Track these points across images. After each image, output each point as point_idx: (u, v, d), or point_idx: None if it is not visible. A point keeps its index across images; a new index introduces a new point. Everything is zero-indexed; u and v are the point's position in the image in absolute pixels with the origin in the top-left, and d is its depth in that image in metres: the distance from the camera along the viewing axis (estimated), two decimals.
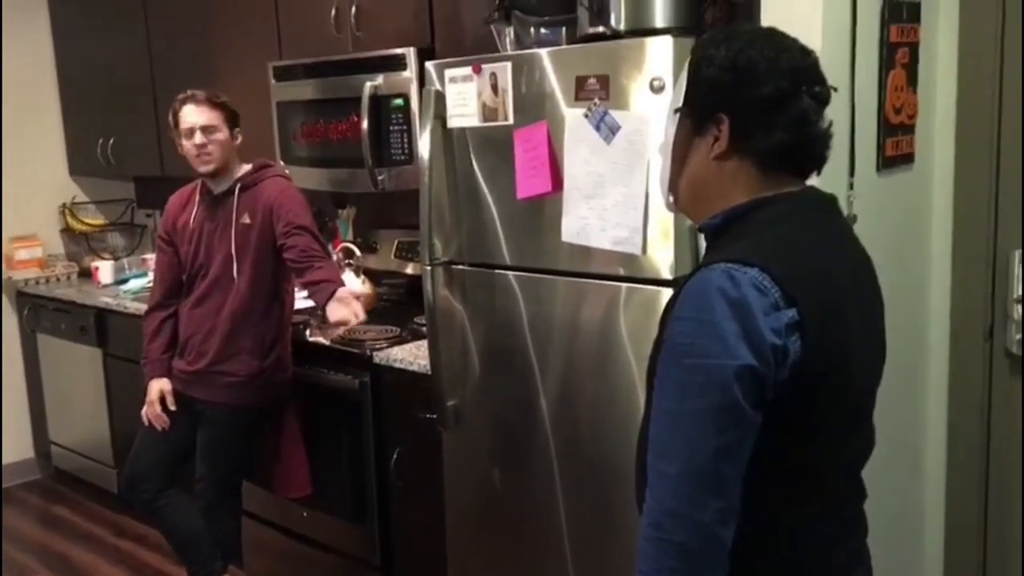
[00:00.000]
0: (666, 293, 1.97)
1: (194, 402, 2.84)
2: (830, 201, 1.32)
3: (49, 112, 4.50)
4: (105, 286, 4.12)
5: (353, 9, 3.02)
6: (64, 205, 4.53)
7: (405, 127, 2.86)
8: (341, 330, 2.84)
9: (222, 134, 2.77)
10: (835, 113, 1.91)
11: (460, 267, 2.37)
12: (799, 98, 1.22)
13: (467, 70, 2.23)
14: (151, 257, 4.25)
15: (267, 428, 2.91)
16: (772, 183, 1.26)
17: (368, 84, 2.89)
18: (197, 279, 2.84)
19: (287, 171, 3.27)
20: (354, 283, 3.30)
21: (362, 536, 2.87)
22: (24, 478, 4.44)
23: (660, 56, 1.88)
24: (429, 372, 2.50)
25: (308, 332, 3.08)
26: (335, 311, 2.59)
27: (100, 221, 4.62)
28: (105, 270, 4.19)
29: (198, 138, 2.74)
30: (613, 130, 1.95)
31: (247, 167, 2.86)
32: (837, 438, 1.25)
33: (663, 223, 1.93)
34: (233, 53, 3.53)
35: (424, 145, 2.29)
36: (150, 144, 3.98)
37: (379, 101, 2.90)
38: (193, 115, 2.75)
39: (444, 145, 2.32)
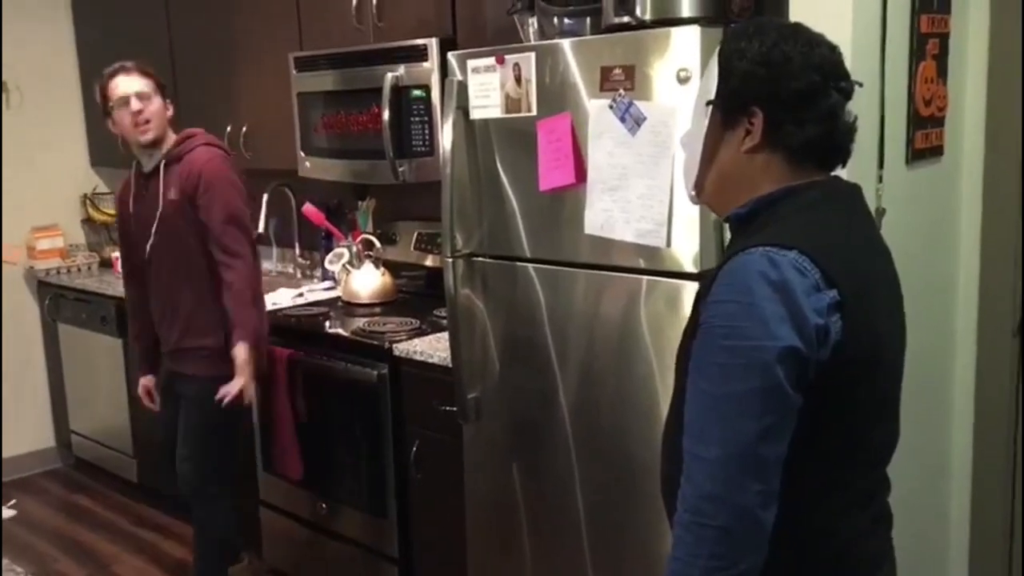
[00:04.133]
0: (689, 286, 1.95)
1: (175, 382, 2.86)
2: (855, 190, 1.34)
3: (71, 102, 4.52)
4: None
5: (374, 0, 3.01)
6: (85, 195, 4.55)
7: (426, 118, 2.85)
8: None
9: (156, 102, 2.72)
10: (864, 105, 1.89)
11: (481, 259, 2.36)
12: (828, 93, 1.24)
13: (490, 60, 2.21)
14: None
15: (246, 410, 2.88)
16: (800, 174, 1.28)
17: (389, 75, 2.88)
18: (146, 261, 2.81)
19: (307, 163, 3.29)
20: (374, 274, 3.29)
21: (381, 528, 2.87)
22: (45, 467, 4.47)
23: (686, 46, 1.86)
24: (449, 364, 2.49)
25: (327, 323, 3.08)
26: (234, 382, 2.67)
27: None
28: None
29: (134, 104, 2.67)
30: (638, 121, 1.93)
31: (172, 140, 2.79)
32: (869, 425, 1.26)
33: (688, 216, 1.91)
34: (254, 44, 3.53)
35: (446, 136, 2.28)
36: None
37: (400, 92, 2.89)
38: (125, 84, 2.70)
39: (466, 136, 2.30)
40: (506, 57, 2.18)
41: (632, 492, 2.11)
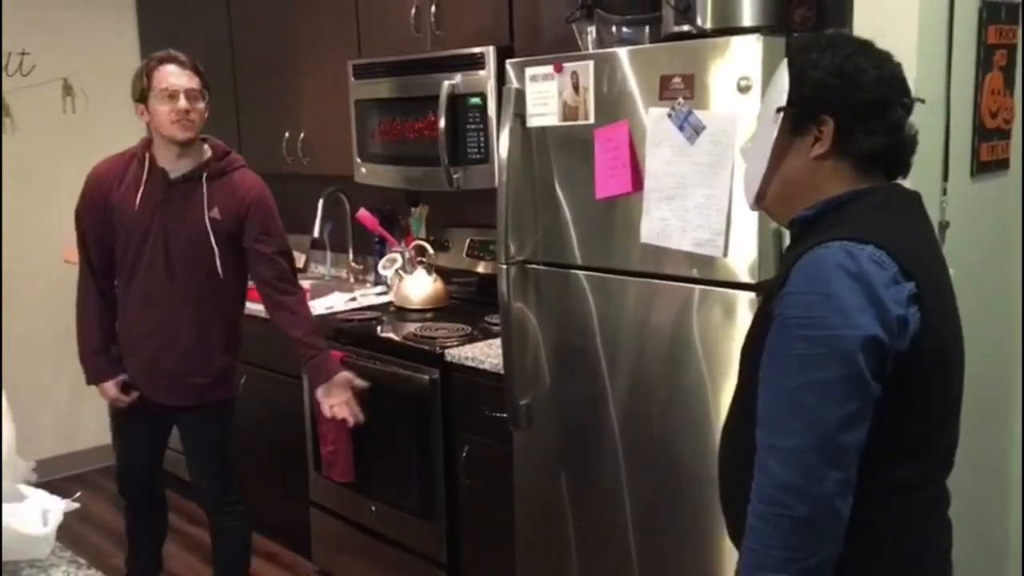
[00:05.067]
0: (744, 296, 1.94)
1: (167, 413, 2.71)
2: (917, 197, 1.37)
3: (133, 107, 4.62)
4: None
5: (433, 8, 3.03)
6: None
7: (481, 126, 2.86)
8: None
9: (203, 103, 2.55)
10: (929, 116, 1.86)
11: (534, 266, 2.37)
12: (895, 107, 1.29)
13: (548, 68, 2.22)
14: None
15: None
16: (866, 180, 1.31)
17: (446, 83, 2.90)
18: (146, 272, 2.57)
19: (363, 168, 3.33)
20: (426, 280, 3.32)
21: (430, 532, 2.88)
22: (101, 463, 4.56)
23: (748, 55, 1.85)
24: (499, 371, 2.50)
25: (379, 328, 3.11)
26: (332, 397, 2.62)
27: None
28: None
29: (182, 102, 2.48)
30: (697, 130, 1.92)
31: (207, 150, 2.62)
32: (936, 425, 1.27)
33: (747, 225, 1.89)
34: (313, 51, 3.58)
35: (503, 144, 2.29)
36: (230, 140, 4.00)
37: (456, 100, 2.91)
38: (177, 76, 2.50)
39: (522, 144, 2.31)
40: (564, 65, 2.19)
41: (681, 501, 2.10)
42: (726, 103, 1.89)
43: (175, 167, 2.56)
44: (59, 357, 4.39)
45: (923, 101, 1.33)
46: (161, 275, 2.56)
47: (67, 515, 1.51)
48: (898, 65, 1.31)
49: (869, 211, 1.26)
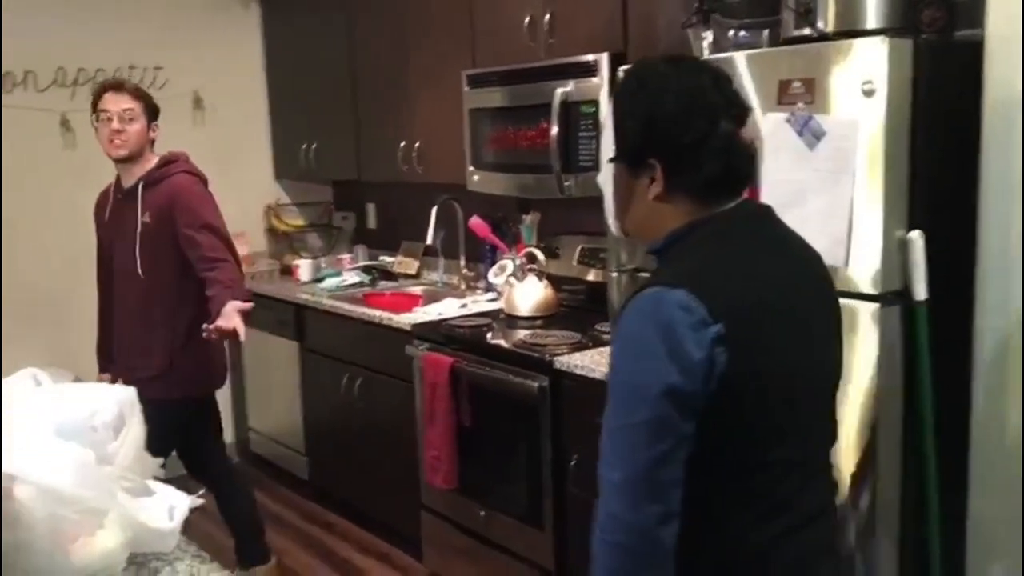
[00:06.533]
0: (866, 307, 1.87)
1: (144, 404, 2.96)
2: (763, 212, 1.41)
3: (259, 120, 4.80)
4: (304, 283, 4.34)
5: (547, 17, 3.04)
6: (269, 206, 4.82)
7: (594, 133, 2.85)
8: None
9: (139, 123, 2.84)
10: None
11: (644, 274, 2.34)
12: (718, 130, 1.30)
13: None
14: (346, 257, 4.45)
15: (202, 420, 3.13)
16: (706, 207, 1.35)
17: (559, 90, 2.91)
18: (107, 278, 2.99)
19: (476, 176, 3.36)
20: (536, 287, 3.32)
21: (537, 539, 2.88)
22: None
23: (872, 58, 1.79)
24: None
25: (490, 335, 3.13)
26: (223, 320, 2.69)
27: (300, 222, 4.88)
28: (304, 268, 4.42)
29: (115, 123, 2.80)
30: (817, 136, 1.86)
31: (154, 162, 2.91)
32: (766, 448, 1.31)
33: (869, 234, 1.83)
34: (429, 62, 3.64)
35: None
36: (348, 150, 4.17)
37: (569, 107, 2.91)
38: (112, 101, 2.82)
39: None
40: None
41: None
42: (849, 107, 1.83)
43: (127, 181, 2.91)
44: None
45: (751, 108, 1.35)
46: (114, 278, 2.95)
47: (192, 511, 1.57)
48: (717, 79, 1.32)
49: (697, 247, 1.32)
